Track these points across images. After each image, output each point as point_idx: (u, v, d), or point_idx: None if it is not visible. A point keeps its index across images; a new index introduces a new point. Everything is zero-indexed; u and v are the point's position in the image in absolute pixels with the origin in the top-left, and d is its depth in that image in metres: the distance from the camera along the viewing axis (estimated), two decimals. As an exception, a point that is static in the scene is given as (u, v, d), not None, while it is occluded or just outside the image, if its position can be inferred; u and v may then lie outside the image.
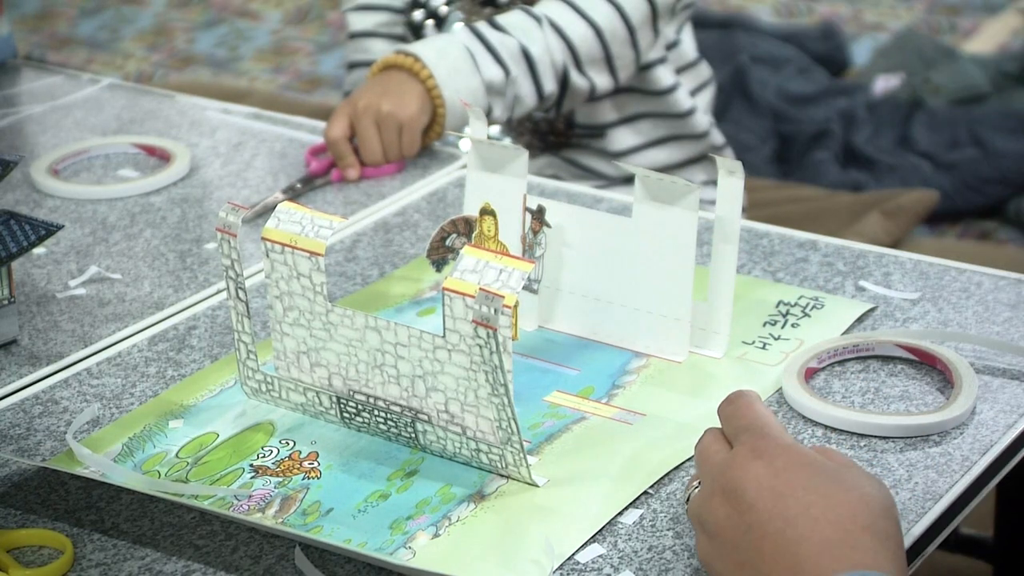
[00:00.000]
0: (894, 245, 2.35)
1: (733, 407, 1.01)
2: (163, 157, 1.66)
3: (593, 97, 1.78)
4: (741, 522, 0.93)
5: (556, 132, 1.90)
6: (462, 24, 1.77)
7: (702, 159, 1.95)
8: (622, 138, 1.90)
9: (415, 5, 1.89)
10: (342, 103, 1.66)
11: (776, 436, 0.97)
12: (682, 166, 1.94)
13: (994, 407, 1.20)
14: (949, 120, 3.12)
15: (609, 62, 1.76)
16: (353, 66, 1.93)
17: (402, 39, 1.90)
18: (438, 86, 1.62)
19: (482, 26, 1.69)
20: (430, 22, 1.89)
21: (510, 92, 1.68)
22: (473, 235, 1.29)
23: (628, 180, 1.91)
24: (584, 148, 1.92)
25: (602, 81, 1.77)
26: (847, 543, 0.89)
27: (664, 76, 1.88)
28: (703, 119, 1.93)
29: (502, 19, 1.71)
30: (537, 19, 1.71)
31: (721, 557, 0.94)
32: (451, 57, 1.64)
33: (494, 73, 1.66)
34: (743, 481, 0.94)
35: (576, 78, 1.74)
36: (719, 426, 1.02)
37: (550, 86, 1.72)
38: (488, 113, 1.67)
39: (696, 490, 1.00)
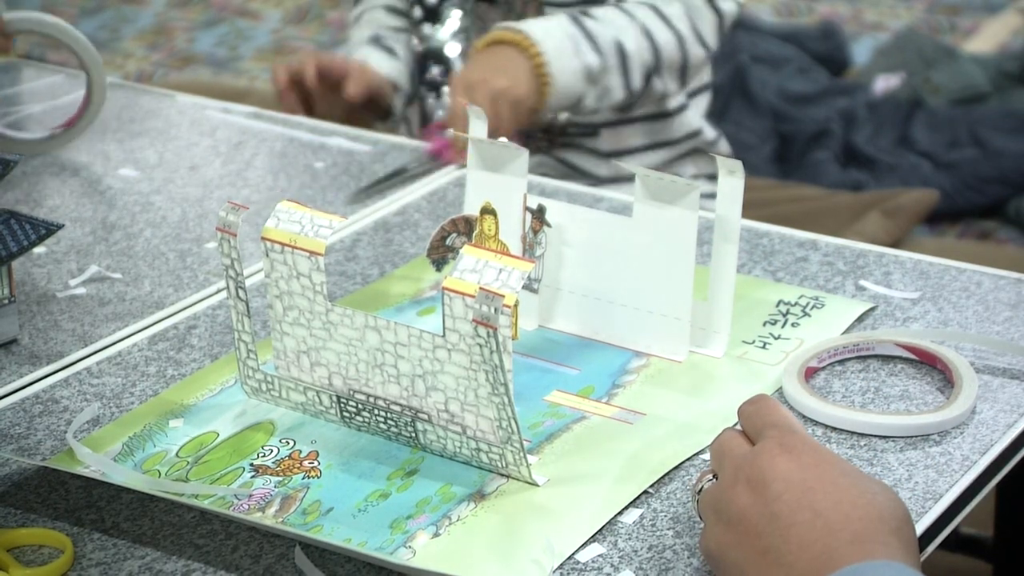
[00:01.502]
0: (894, 245, 2.35)
1: (756, 407, 1.01)
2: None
3: (659, 102, 1.79)
4: (766, 511, 0.92)
5: (549, 130, 1.90)
6: (561, 11, 1.76)
7: (692, 153, 1.95)
8: (615, 138, 1.90)
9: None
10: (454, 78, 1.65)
11: (802, 434, 0.97)
12: (671, 163, 1.95)
13: (994, 407, 1.20)
14: (949, 120, 3.12)
15: (684, 71, 1.77)
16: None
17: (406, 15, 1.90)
18: (546, 63, 1.61)
19: (580, 14, 1.69)
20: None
21: (602, 82, 1.68)
22: (473, 234, 1.29)
23: (616, 180, 1.91)
24: (575, 147, 1.92)
25: (673, 88, 1.79)
26: (877, 540, 0.89)
27: None
28: (697, 121, 1.93)
29: (598, 11, 1.71)
30: (631, 17, 1.72)
31: (739, 545, 0.94)
32: (556, 38, 1.64)
33: (592, 59, 1.66)
34: (770, 472, 0.94)
35: (656, 81, 1.75)
36: (728, 425, 1.02)
37: (637, 83, 1.72)
38: (579, 101, 1.67)
39: (709, 483, 1.00)
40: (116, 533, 1.10)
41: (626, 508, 1.10)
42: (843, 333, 1.30)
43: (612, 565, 1.05)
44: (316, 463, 1.16)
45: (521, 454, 1.11)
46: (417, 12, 1.88)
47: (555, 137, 1.90)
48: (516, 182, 1.29)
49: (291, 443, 1.18)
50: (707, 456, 1.15)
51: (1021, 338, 1.28)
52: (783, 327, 1.30)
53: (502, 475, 1.13)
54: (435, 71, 1.87)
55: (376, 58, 1.89)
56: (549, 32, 1.65)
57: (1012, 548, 1.50)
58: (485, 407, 1.11)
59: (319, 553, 1.07)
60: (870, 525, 0.90)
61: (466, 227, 1.29)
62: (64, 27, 1.67)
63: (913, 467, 1.13)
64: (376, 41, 1.92)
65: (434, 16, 1.87)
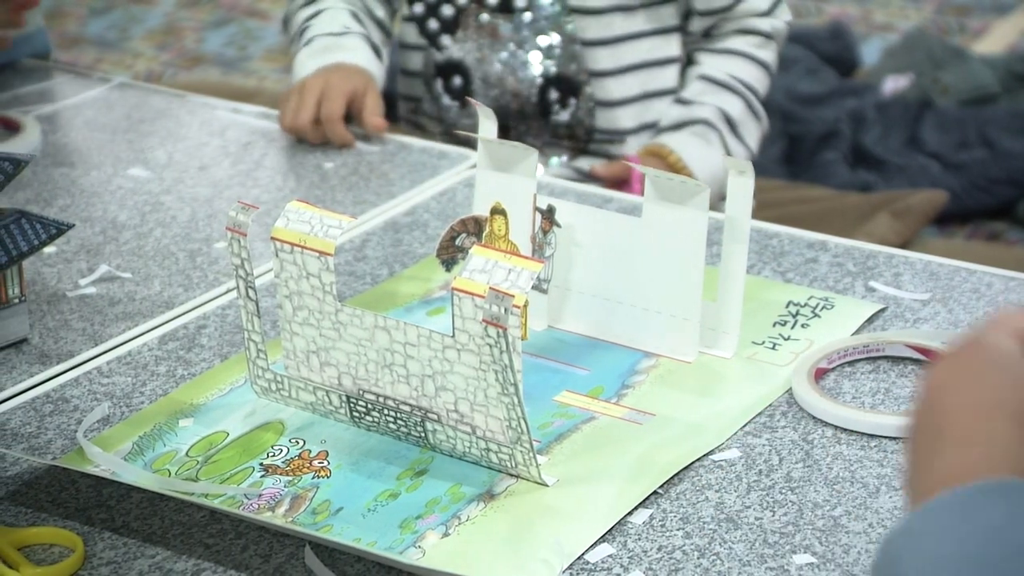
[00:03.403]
0: (903, 246, 2.35)
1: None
2: (11, 127, 1.70)
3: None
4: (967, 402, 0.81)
5: (575, 137, 1.90)
6: (710, 130, 1.86)
7: None
8: (641, 144, 1.90)
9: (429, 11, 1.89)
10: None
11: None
12: None
13: (1004, 408, 1.20)
14: (958, 120, 3.12)
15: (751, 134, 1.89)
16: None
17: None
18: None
19: (729, 132, 1.83)
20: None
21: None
22: (483, 235, 1.29)
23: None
24: (601, 155, 1.91)
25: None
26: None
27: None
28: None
29: (735, 116, 1.84)
30: (749, 107, 1.87)
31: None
32: (707, 172, 1.78)
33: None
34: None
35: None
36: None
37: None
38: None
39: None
40: (126, 532, 1.10)
41: (636, 508, 1.10)
42: (853, 334, 1.30)
43: (622, 565, 1.05)
44: (326, 463, 1.16)
45: (531, 454, 1.11)
46: (433, 24, 1.88)
47: (580, 142, 1.89)
48: (526, 182, 1.29)
49: (301, 443, 1.18)
50: (715, 456, 1.15)
51: (1031, 339, 1.28)
52: (793, 328, 1.30)
53: (511, 475, 1.13)
54: (456, 81, 1.88)
55: (367, 57, 1.84)
56: (704, 169, 1.80)
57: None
58: (495, 407, 1.11)
59: (329, 553, 1.07)
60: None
61: (476, 227, 1.29)
62: None
63: (923, 468, 1.13)
64: (368, 39, 1.88)
65: (451, 27, 1.87)
